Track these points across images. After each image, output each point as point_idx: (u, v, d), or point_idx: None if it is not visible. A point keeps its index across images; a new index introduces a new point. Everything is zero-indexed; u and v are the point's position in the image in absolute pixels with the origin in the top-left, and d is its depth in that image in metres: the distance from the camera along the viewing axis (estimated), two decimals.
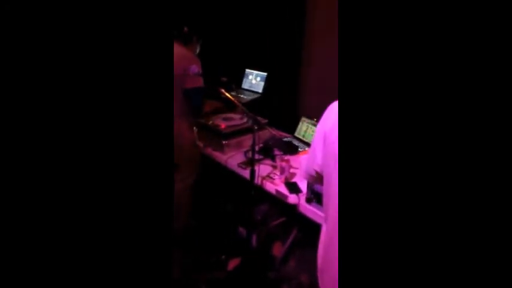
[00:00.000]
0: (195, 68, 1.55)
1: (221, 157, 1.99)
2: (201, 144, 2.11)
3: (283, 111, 2.54)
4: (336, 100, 0.94)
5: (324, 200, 1.06)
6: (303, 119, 2.19)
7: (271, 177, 1.75)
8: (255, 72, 2.63)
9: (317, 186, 1.42)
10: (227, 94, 1.56)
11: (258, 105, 2.40)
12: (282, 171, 1.70)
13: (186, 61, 1.66)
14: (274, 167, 1.84)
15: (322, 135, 0.98)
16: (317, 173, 1.07)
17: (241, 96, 2.51)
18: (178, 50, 1.73)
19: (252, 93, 2.56)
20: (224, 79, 1.65)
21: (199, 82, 1.72)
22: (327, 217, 1.03)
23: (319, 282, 1.07)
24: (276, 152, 1.98)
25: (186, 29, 1.77)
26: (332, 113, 1.00)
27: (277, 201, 1.76)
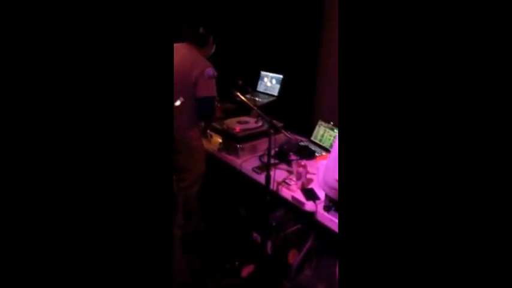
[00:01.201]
0: (210, 70, 1.52)
1: (235, 161, 1.96)
2: (214, 147, 2.09)
3: (300, 114, 2.49)
4: None
5: None
6: (320, 122, 2.12)
7: (287, 183, 1.69)
8: (271, 74, 2.58)
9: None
10: (242, 97, 1.52)
11: (273, 108, 2.36)
12: (299, 176, 1.64)
13: (198, 70, 1.63)
14: (290, 172, 1.78)
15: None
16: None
17: (257, 99, 2.47)
18: (190, 55, 1.71)
19: (267, 96, 2.51)
20: (240, 82, 1.61)
21: (211, 91, 1.69)
22: None
23: None
24: (292, 156, 1.93)
25: (202, 30, 1.73)
26: None
27: (293, 208, 1.71)
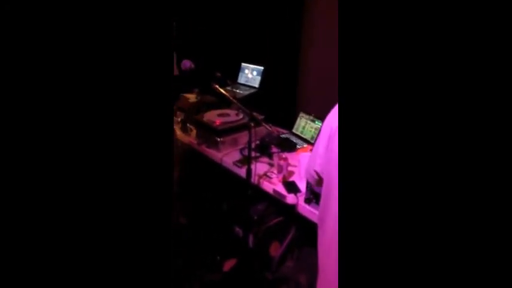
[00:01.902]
0: (187, 62, 1.47)
1: (216, 155, 1.92)
2: (194, 141, 2.05)
3: (281, 106, 2.48)
4: None
5: (322, 202, 1.01)
6: (301, 114, 2.12)
7: (268, 176, 1.68)
8: (252, 66, 2.55)
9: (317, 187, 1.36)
10: (221, 90, 1.48)
11: (254, 100, 2.33)
12: (280, 169, 1.64)
13: None
14: (272, 165, 1.77)
15: (327, 136, 0.93)
16: (317, 174, 1.01)
17: (237, 91, 2.43)
18: None
19: (248, 88, 2.48)
20: (218, 74, 1.57)
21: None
22: (323, 219, 0.99)
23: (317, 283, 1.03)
24: (274, 149, 1.92)
25: None
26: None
27: (274, 200, 1.70)
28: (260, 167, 1.74)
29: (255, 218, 1.89)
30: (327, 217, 0.97)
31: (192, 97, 2.19)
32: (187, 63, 1.49)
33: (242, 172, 1.70)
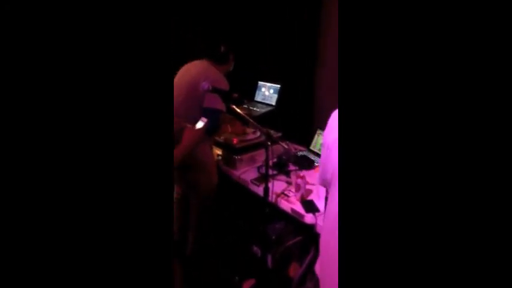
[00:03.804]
0: (205, 84, 1.50)
1: (234, 173, 1.93)
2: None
3: (298, 123, 2.47)
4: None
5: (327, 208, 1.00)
6: (319, 131, 2.10)
7: (286, 195, 1.67)
8: (268, 84, 2.57)
9: None
10: (238, 110, 1.50)
11: (271, 118, 2.34)
12: (298, 188, 1.62)
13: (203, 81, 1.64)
14: (289, 183, 1.76)
15: (325, 146, 0.94)
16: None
17: (254, 109, 2.45)
18: (201, 71, 1.72)
19: (265, 106, 2.50)
20: (235, 95, 1.59)
21: (213, 103, 1.67)
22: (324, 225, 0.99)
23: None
24: (291, 167, 1.91)
25: (223, 48, 1.75)
26: (334, 122, 0.95)
27: (293, 220, 1.68)
28: (278, 185, 1.72)
29: (273, 237, 1.86)
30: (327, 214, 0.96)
31: None
32: (205, 85, 1.52)
33: (259, 190, 1.69)
